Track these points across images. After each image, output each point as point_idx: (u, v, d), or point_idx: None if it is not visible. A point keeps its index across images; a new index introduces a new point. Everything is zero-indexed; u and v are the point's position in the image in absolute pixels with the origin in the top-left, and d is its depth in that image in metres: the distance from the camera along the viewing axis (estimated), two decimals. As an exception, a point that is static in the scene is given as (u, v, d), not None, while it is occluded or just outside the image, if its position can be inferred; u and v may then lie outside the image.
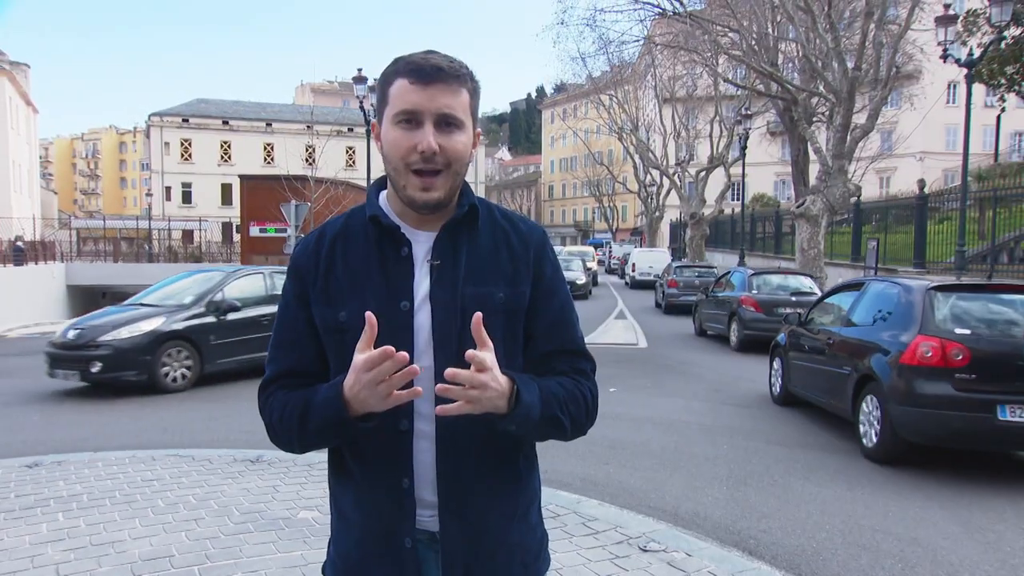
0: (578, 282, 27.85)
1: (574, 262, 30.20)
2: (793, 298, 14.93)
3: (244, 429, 7.85)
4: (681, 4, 21.86)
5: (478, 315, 1.44)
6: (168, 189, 63.41)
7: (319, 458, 6.27)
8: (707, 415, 9.01)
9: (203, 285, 11.59)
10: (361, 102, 23.30)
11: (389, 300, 1.54)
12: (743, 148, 28.73)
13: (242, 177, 23.57)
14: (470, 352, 1.40)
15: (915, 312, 6.93)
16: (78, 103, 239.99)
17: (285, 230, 18.22)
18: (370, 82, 23.23)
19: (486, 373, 1.39)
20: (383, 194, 1.67)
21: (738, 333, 15.28)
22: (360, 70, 23.27)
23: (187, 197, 63.49)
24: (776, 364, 9.93)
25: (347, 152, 66.69)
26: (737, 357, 14.16)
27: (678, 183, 37.98)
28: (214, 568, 4.11)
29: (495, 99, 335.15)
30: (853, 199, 19.63)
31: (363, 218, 1.62)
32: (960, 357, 6.41)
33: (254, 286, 11.87)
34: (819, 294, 14.26)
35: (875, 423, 6.96)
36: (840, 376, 7.81)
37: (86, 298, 32.05)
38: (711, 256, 35.15)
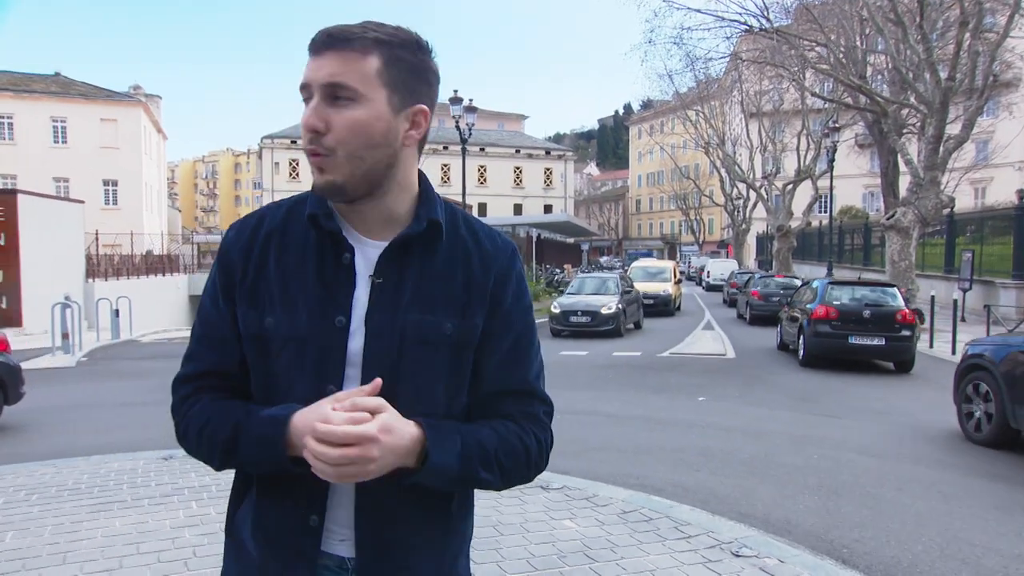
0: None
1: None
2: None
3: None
4: (768, 20, 21.43)
5: (377, 381, 1.22)
6: (278, 206, 65.66)
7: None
8: (795, 425, 8.78)
9: None
10: (457, 121, 23.72)
11: (323, 313, 1.28)
12: (831, 161, 27.91)
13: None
14: (342, 430, 1.13)
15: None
16: (200, 129, 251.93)
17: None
18: (465, 102, 23.62)
19: (360, 447, 1.13)
20: None
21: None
22: (456, 91, 23.70)
23: (295, 213, 65.61)
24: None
25: (442, 169, 67.79)
26: (817, 369, 13.71)
27: (765, 196, 37.15)
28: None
29: (583, 117, 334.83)
30: (946, 210, 18.81)
31: (305, 212, 1.34)
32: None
33: None
34: (900, 306, 13.54)
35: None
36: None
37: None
38: (798, 268, 34.25)
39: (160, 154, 56.53)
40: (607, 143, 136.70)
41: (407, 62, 1.27)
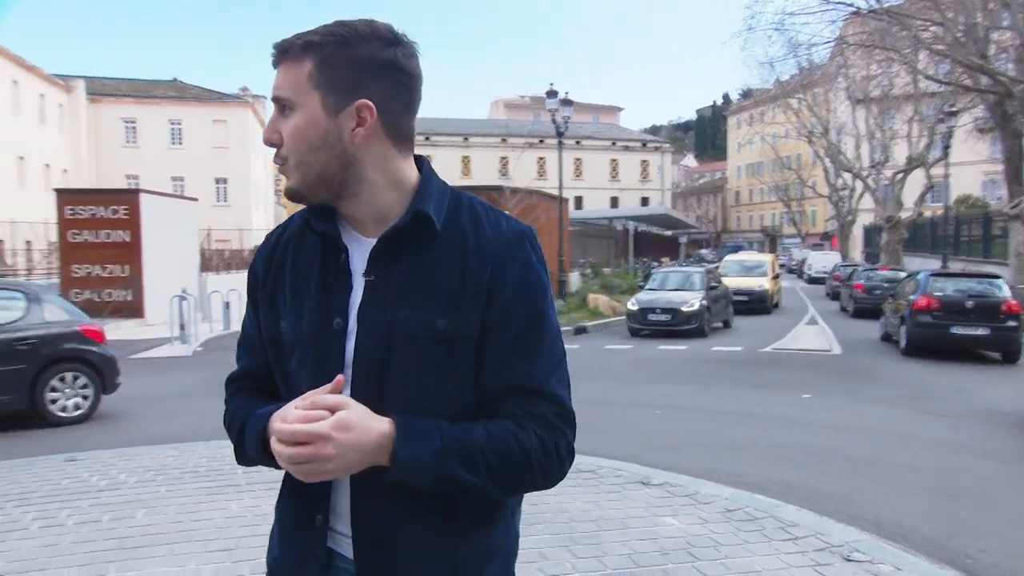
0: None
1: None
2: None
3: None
4: (877, 1, 20.47)
5: (339, 378, 1.20)
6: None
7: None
8: (906, 423, 8.38)
9: None
10: (553, 115, 23.69)
11: (322, 316, 1.29)
12: (946, 147, 26.48)
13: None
14: (291, 428, 1.12)
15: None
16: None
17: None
18: (561, 96, 23.56)
19: (313, 446, 1.11)
20: None
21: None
22: (552, 84, 23.68)
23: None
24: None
25: (538, 163, 67.88)
26: (921, 360, 13.04)
27: (872, 186, 35.52)
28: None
29: (680, 108, 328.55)
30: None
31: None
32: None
33: None
34: (1006, 297, 13.36)
35: None
36: None
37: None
38: (909, 261, 32.57)
39: (267, 152, 58.61)
40: (705, 134, 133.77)
41: (343, 58, 1.22)
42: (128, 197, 21.41)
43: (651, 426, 8.30)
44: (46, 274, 25.84)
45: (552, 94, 23.57)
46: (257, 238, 40.86)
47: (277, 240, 1.41)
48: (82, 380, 8.65)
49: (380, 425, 1.17)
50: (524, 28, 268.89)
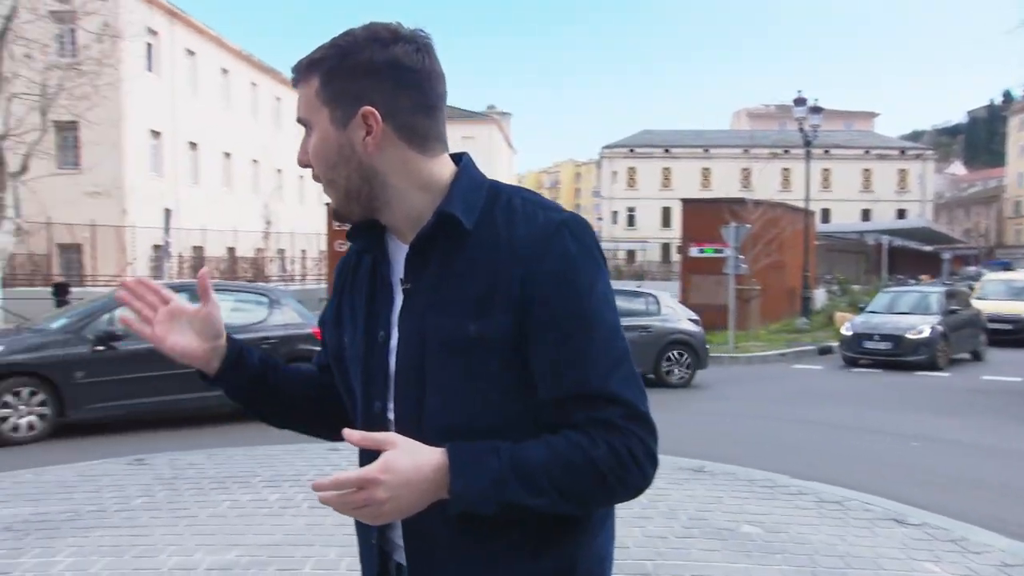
0: (907, 337, 14.80)
1: (928, 297, 16.89)
2: None
3: (684, 438, 8.02)
4: None
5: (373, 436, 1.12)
6: (615, 213, 67.72)
7: (760, 475, 6.17)
8: None
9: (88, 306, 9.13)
10: (800, 124, 22.51)
11: (369, 329, 1.27)
12: None
13: (684, 201, 24.17)
14: (331, 479, 1.06)
15: None
16: (545, 142, 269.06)
17: (723, 251, 18.28)
18: (810, 103, 22.33)
19: (365, 491, 1.05)
20: None
21: None
22: (799, 91, 22.52)
23: (631, 220, 67.18)
24: None
25: (782, 173, 64.87)
26: None
27: None
28: (664, 566, 4.25)
29: (947, 111, 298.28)
30: None
31: None
32: None
33: None
34: None
35: None
36: None
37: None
38: None
39: (510, 166, 61.51)
40: (978, 138, 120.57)
41: (343, 69, 1.17)
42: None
43: (906, 458, 7.58)
44: (316, 280, 28.71)
45: (800, 102, 22.43)
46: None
47: (348, 258, 1.40)
48: None
49: (432, 458, 1.09)
50: (770, 35, 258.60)
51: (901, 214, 66.26)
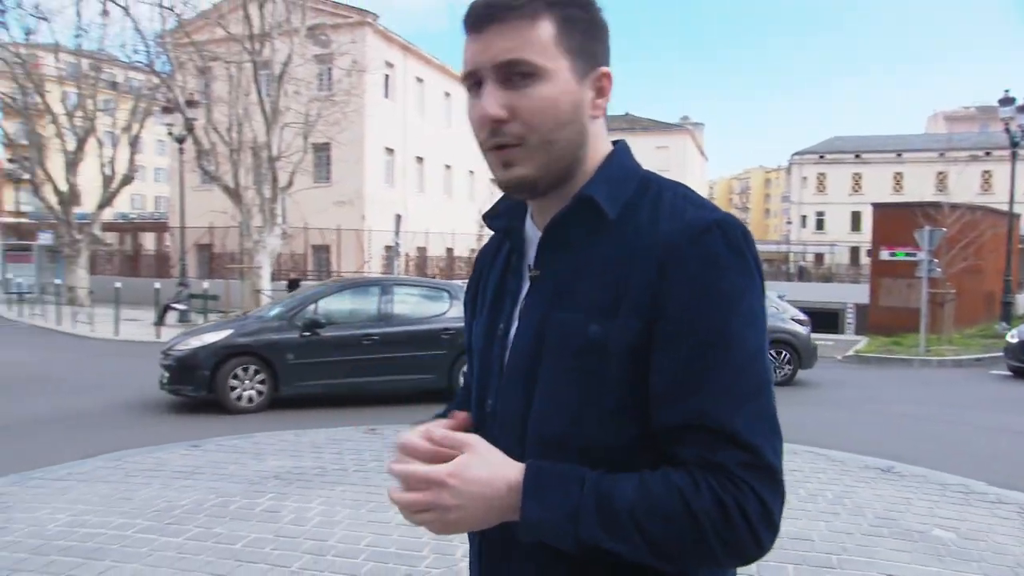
0: None
1: None
2: None
3: (871, 439, 7.43)
4: None
5: (463, 415, 0.98)
6: (804, 218, 63.87)
7: (954, 480, 5.58)
8: None
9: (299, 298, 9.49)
10: (1007, 124, 19.97)
11: (491, 321, 1.07)
12: None
13: (875, 205, 22.28)
14: (396, 470, 0.90)
15: None
16: (736, 149, 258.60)
17: (915, 254, 16.68)
18: (1018, 102, 19.75)
19: (431, 492, 0.87)
20: None
21: None
22: (1007, 91, 19.97)
23: (820, 224, 63.08)
24: None
25: (982, 176, 58.11)
26: None
27: None
28: (850, 562, 3.97)
29: None
30: None
31: None
32: None
33: (362, 302, 9.38)
34: None
35: None
36: None
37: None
38: None
39: (702, 173, 59.85)
40: None
41: (582, 21, 0.96)
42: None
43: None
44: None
45: (1007, 101, 19.86)
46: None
47: (487, 247, 1.19)
48: None
49: (508, 473, 0.89)
50: (968, 34, 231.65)
51: (1123, 217, 56.94)
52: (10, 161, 41.99)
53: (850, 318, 23.05)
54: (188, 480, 5.31)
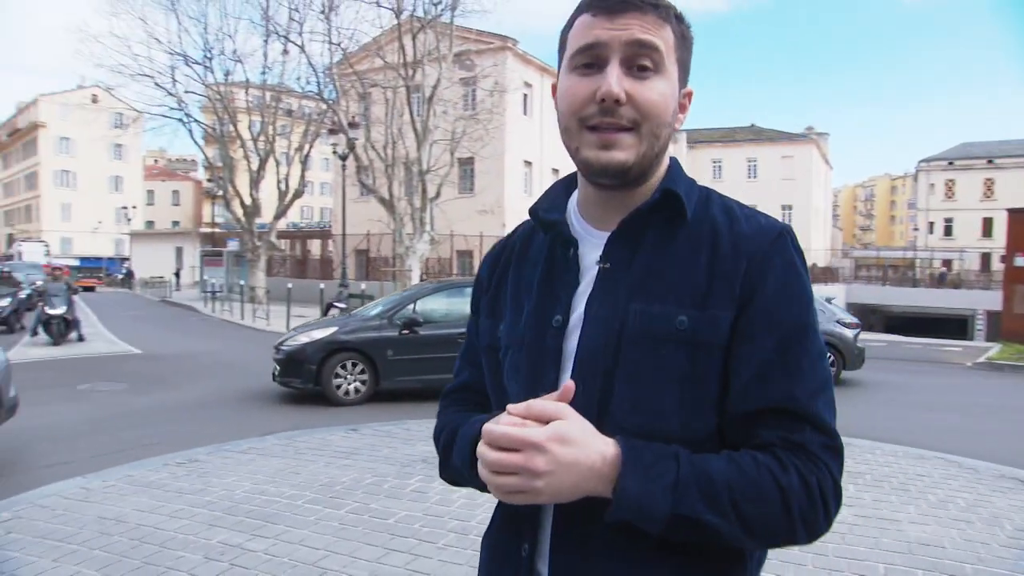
0: None
1: None
2: None
3: (1006, 448, 6.70)
4: None
5: (568, 385, 0.86)
6: (931, 224, 58.76)
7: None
8: None
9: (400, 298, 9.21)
10: None
11: (541, 314, 0.98)
12: None
13: (1010, 211, 20.12)
14: (500, 429, 0.82)
15: None
16: (860, 158, 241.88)
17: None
18: None
19: (523, 454, 0.80)
20: (575, 195, 1.06)
21: None
22: None
23: (948, 231, 57.79)
24: None
25: None
26: None
27: None
28: (986, 572, 3.58)
29: None
30: None
31: None
32: None
33: (456, 302, 9.00)
34: None
35: None
36: None
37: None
38: None
39: (827, 182, 56.55)
40: None
41: (689, 41, 0.96)
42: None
43: None
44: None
45: None
46: (813, 257, 39.54)
47: (504, 246, 1.13)
48: None
49: (604, 446, 0.84)
50: None
51: None
52: (208, 180, 46.17)
53: (980, 324, 21.02)
54: (348, 460, 5.55)
